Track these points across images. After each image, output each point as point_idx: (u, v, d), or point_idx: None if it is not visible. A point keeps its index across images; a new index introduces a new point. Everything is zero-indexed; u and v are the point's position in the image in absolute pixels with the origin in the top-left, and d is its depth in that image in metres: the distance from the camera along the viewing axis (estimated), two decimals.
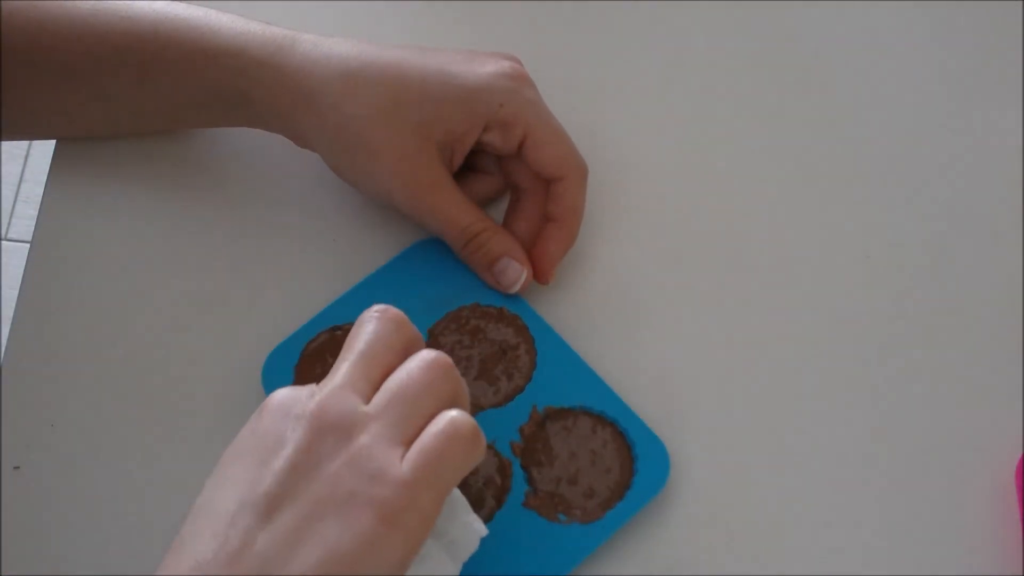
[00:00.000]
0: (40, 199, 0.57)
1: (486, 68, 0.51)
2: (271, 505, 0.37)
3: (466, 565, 0.46)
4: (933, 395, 0.54)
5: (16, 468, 0.51)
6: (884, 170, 0.59)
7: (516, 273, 0.53)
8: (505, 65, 0.52)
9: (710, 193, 0.58)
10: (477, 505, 0.50)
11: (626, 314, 0.55)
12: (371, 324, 0.43)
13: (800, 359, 0.54)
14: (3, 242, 1.40)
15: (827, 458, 0.52)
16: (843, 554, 0.51)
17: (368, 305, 0.52)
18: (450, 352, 0.52)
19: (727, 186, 0.58)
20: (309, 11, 0.62)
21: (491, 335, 0.53)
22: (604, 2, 0.63)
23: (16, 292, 0.55)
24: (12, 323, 0.54)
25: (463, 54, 0.52)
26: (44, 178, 0.57)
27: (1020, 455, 0.52)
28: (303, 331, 0.53)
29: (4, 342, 0.54)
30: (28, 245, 0.55)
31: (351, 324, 0.52)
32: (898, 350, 0.55)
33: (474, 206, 0.53)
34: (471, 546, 0.43)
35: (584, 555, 0.49)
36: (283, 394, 0.40)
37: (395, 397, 0.40)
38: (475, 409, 0.51)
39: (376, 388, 0.41)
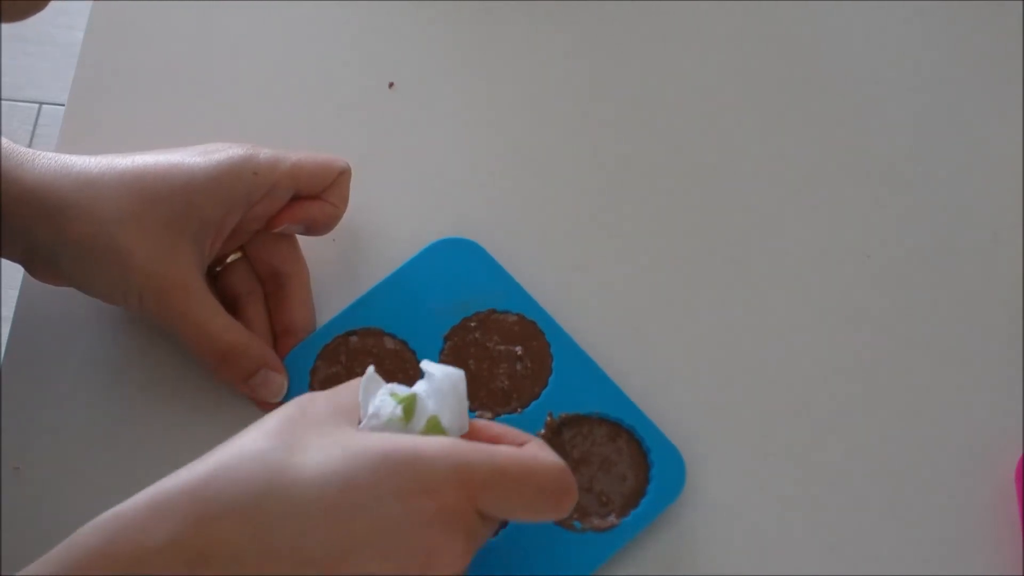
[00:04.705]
0: None
1: (224, 152, 0.50)
2: None
3: (482, 568, 0.46)
4: (933, 395, 0.54)
5: (16, 468, 0.51)
6: (884, 170, 0.59)
7: (277, 385, 0.51)
8: (241, 148, 0.51)
9: (713, 195, 0.58)
10: None
11: (640, 321, 0.55)
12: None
13: (803, 361, 0.54)
14: None
15: (830, 460, 0.52)
16: (843, 553, 0.51)
17: (382, 310, 0.53)
18: (466, 359, 0.52)
19: (729, 188, 0.58)
20: (309, 11, 0.62)
21: (507, 342, 0.53)
22: (603, 2, 0.63)
23: (16, 292, 0.55)
24: (12, 323, 0.54)
25: (197, 148, 0.51)
26: None
27: (1020, 455, 0.52)
28: (319, 335, 0.53)
29: (4, 342, 0.54)
30: None
31: (365, 328, 0.53)
32: (899, 350, 0.55)
33: (225, 313, 0.50)
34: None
35: (599, 563, 0.49)
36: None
37: None
38: (491, 417, 0.51)
39: None
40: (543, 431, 0.51)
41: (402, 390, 0.43)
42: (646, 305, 0.55)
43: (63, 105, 0.61)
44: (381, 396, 0.42)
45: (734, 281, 0.56)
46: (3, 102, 1.45)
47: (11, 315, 0.55)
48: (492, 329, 0.53)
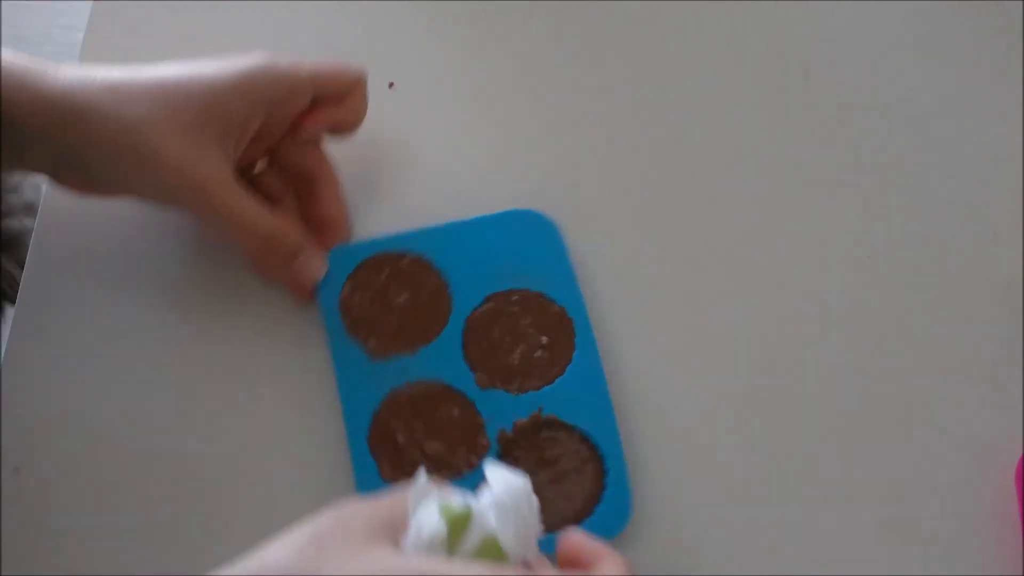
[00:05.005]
0: (41, 199, 0.58)
1: (245, 60, 0.51)
2: None
3: None
4: (933, 395, 0.54)
5: (16, 469, 0.51)
6: (884, 170, 0.59)
7: (317, 266, 0.53)
8: (261, 55, 0.52)
9: (711, 194, 0.58)
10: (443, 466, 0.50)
11: (642, 320, 0.55)
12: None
13: (802, 361, 0.54)
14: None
15: (827, 458, 0.53)
16: (844, 554, 0.51)
17: (441, 248, 0.54)
18: (493, 325, 0.53)
19: (729, 188, 0.58)
20: (309, 11, 0.62)
21: (539, 328, 0.53)
22: (602, 2, 0.63)
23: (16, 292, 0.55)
24: (12, 323, 0.54)
25: (216, 57, 0.51)
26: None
27: (1020, 455, 0.52)
28: (367, 245, 0.54)
29: (4, 342, 0.54)
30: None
31: (417, 256, 0.54)
32: (898, 350, 0.55)
33: (260, 204, 0.52)
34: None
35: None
36: None
37: None
38: (487, 386, 0.52)
39: None
40: (526, 420, 0.51)
41: (457, 501, 0.38)
42: (647, 303, 0.56)
43: None
44: (428, 509, 0.37)
45: (734, 282, 0.56)
46: None
47: (11, 314, 0.55)
48: (532, 310, 0.53)
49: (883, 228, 0.58)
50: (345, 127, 0.55)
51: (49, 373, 0.53)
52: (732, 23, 0.62)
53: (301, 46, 0.61)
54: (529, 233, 0.55)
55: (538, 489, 0.48)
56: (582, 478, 0.50)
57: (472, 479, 0.49)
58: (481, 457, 0.50)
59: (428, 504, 0.38)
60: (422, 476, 0.38)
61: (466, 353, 0.52)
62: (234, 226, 0.51)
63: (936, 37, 0.63)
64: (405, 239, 0.54)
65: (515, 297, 0.53)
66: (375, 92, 0.59)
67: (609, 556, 0.39)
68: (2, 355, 0.54)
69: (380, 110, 0.59)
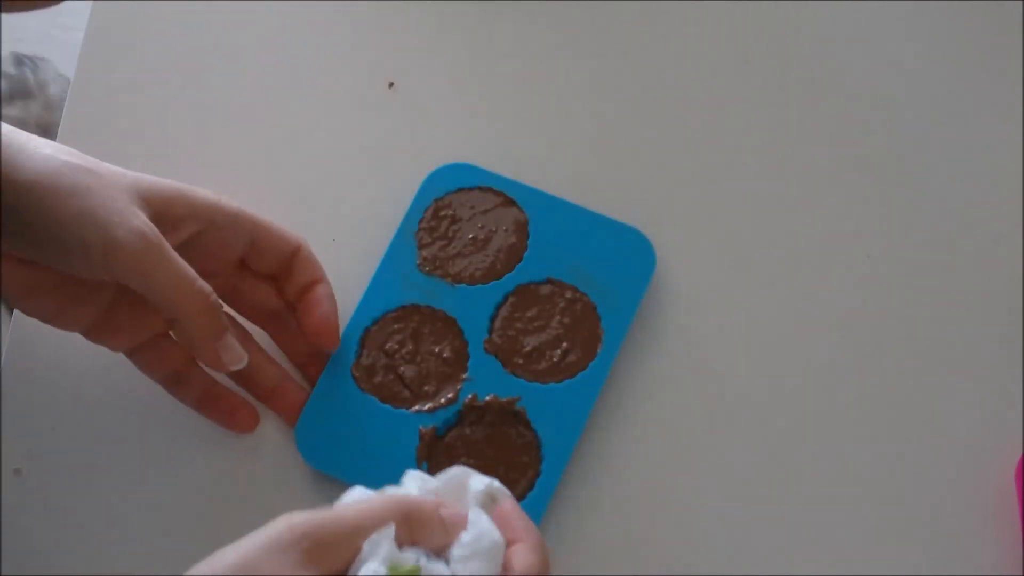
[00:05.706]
0: None
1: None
2: None
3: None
4: (933, 395, 0.54)
5: (17, 471, 0.51)
6: (885, 170, 0.59)
7: (239, 352, 0.48)
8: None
9: (709, 194, 0.58)
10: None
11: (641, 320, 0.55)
12: None
13: (802, 361, 0.55)
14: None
15: (827, 459, 0.53)
16: (844, 554, 0.51)
17: (544, 209, 0.55)
18: (532, 306, 0.53)
19: (727, 187, 0.58)
20: (309, 11, 0.62)
21: (569, 333, 0.53)
22: (603, 2, 0.62)
23: None
24: (12, 324, 0.54)
25: None
26: None
27: (1020, 455, 0.52)
28: (481, 172, 0.56)
29: (5, 342, 0.54)
30: None
31: (520, 209, 0.55)
32: (898, 350, 0.55)
33: None
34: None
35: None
36: None
37: None
38: (490, 351, 0.52)
39: None
40: (501, 400, 0.51)
41: (409, 557, 0.37)
42: (646, 301, 0.56)
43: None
44: (375, 565, 0.36)
45: (733, 281, 0.56)
46: None
47: (11, 316, 0.55)
48: (574, 316, 0.53)
49: (883, 228, 0.58)
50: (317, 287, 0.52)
51: (49, 373, 0.53)
52: (733, 23, 0.62)
53: (302, 46, 0.61)
54: (624, 251, 0.54)
55: (473, 452, 0.50)
56: (514, 477, 0.50)
57: (418, 418, 0.51)
58: (442, 407, 0.51)
59: (380, 553, 0.36)
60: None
61: (495, 313, 0.53)
62: (177, 280, 0.46)
63: (936, 37, 0.63)
64: (514, 185, 0.56)
65: (569, 295, 0.53)
66: (374, 91, 0.60)
67: (523, 543, 0.40)
68: (2, 355, 0.54)
69: (377, 113, 0.59)
